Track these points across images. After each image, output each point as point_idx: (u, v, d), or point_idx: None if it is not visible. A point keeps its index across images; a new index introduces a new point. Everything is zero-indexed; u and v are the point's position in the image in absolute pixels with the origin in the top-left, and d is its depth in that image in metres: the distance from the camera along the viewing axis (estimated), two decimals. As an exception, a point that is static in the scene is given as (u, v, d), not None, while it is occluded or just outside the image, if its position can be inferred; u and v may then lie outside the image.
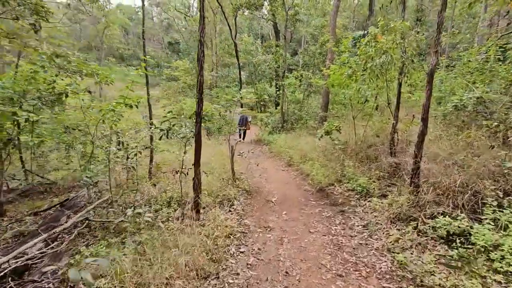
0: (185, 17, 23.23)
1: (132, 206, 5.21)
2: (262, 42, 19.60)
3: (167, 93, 16.00)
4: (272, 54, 15.54)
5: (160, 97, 15.81)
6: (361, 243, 3.70)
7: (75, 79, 5.46)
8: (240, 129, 13.61)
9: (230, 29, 18.29)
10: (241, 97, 6.06)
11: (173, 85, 17.20)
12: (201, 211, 4.86)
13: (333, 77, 6.25)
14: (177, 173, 5.02)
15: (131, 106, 4.83)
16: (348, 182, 5.59)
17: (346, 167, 5.96)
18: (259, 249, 3.63)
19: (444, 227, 3.34)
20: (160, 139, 4.32)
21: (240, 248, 3.61)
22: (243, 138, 13.79)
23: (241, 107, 18.05)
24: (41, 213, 5.93)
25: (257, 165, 7.19)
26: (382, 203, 4.50)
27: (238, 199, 5.36)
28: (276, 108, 15.39)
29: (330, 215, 4.65)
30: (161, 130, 4.14)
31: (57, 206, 5.67)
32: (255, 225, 4.37)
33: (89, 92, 5.90)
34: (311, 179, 6.57)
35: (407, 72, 4.88)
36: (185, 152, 4.82)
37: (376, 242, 3.68)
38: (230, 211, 4.80)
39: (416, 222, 3.70)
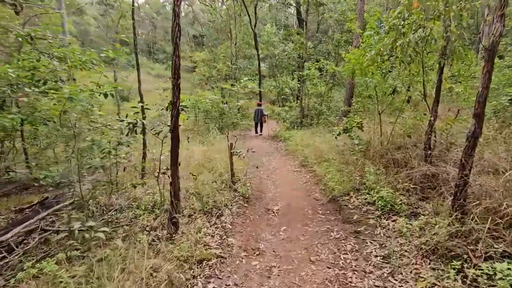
0: (209, 10, 22.68)
1: (111, 210, 4.59)
2: (286, 33, 18.45)
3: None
4: (293, 42, 14.30)
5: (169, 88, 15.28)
6: (378, 286, 2.67)
7: (54, 64, 4.88)
8: (256, 124, 12.97)
9: (249, 18, 17.27)
10: (239, 87, 5.15)
11: (188, 76, 16.69)
12: (186, 220, 4.07)
13: (353, 62, 5.08)
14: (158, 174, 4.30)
15: (105, 95, 4.15)
16: (367, 193, 4.48)
17: (366, 173, 4.84)
18: (236, 284, 2.72)
19: (508, 278, 2.22)
20: (127, 135, 3.56)
21: (209, 282, 2.72)
22: (261, 131, 13.08)
23: (260, 100, 17.15)
24: (26, 210, 5.55)
25: (257, 167, 6.29)
26: (411, 225, 3.40)
27: (230, 207, 4.49)
28: (296, 102, 14.21)
29: (340, 237, 3.63)
30: (129, 123, 3.36)
31: (36, 205, 5.19)
32: (241, 245, 3.46)
33: (74, 80, 5.32)
34: (324, 184, 5.54)
35: (455, 52, 3.63)
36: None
37: (400, 286, 2.63)
38: (215, 223, 3.94)
39: (460, 262, 2.59)
